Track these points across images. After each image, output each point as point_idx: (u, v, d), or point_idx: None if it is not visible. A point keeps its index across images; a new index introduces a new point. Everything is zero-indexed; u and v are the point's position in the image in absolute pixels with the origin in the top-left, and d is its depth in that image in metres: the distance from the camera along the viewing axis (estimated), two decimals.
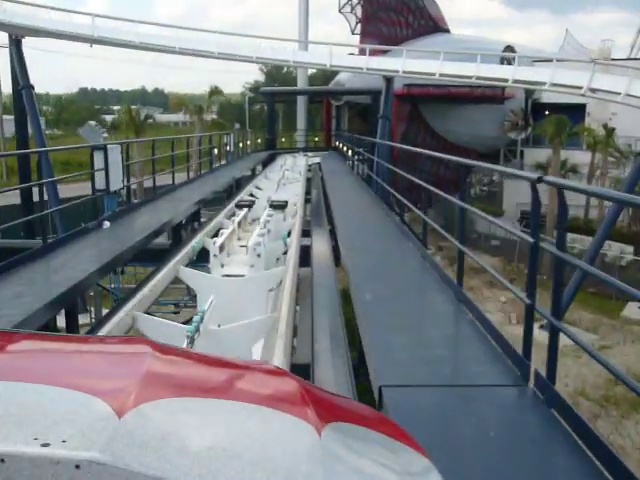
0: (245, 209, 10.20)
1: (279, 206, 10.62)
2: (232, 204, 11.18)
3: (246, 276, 6.72)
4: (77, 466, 0.77)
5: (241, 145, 27.90)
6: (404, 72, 28.57)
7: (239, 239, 8.80)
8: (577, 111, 46.49)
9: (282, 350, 4.08)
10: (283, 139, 39.05)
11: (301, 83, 40.16)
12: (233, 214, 10.08)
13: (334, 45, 29.45)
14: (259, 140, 33.61)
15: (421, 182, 8.84)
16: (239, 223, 8.96)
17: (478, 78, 27.74)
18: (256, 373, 1.29)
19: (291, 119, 48.85)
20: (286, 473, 0.86)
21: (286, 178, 19.08)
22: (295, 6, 39.85)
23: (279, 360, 3.83)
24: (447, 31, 44.91)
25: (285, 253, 8.02)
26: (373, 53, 31.12)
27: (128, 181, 11.37)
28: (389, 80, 30.78)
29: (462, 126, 41.90)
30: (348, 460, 1.01)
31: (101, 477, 0.77)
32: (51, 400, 0.93)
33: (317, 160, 32.35)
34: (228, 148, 23.19)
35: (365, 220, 11.99)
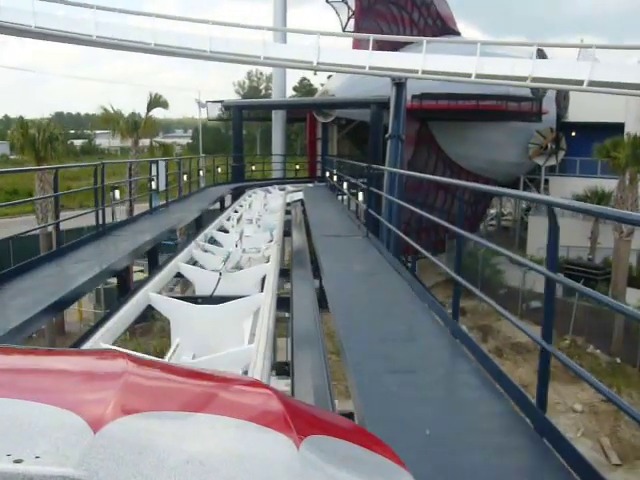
0: None
1: None
2: None
3: None
4: None
5: (186, 178, 18.70)
6: (425, 72, 19.66)
7: None
8: (611, 131, 38.35)
9: None
10: (253, 167, 29.78)
11: (277, 94, 31.07)
12: None
13: (322, 34, 20.49)
14: (219, 169, 24.41)
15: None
16: None
17: (534, 80, 18.90)
18: (234, 386, 1.26)
19: (270, 144, 39.53)
20: None
21: (242, 248, 10.11)
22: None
23: None
24: (457, 33, 36.44)
25: None
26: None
27: None
28: (399, 85, 21.92)
29: (479, 150, 33.26)
30: (327, 473, 0.98)
31: None
32: (25, 415, 0.89)
33: (299, 196, 23.36)
34: (154, 186, 14.05)
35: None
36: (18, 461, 0.77)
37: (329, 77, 33.14)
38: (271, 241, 11.49)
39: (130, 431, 0.88)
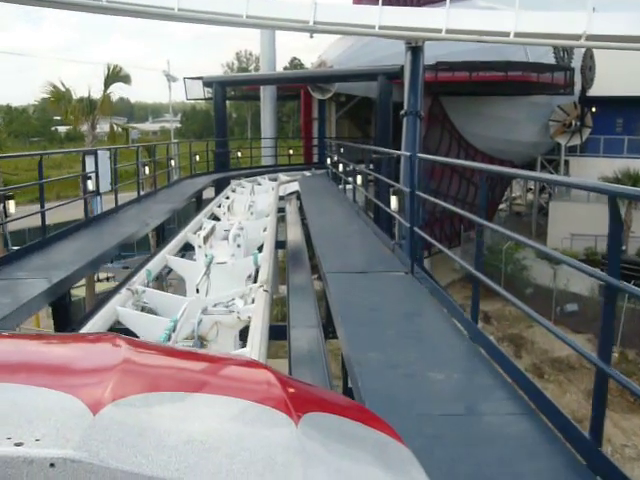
0: None
1: None
2: None
3: None
4: (52, 464, 0.75)
5: (148, 171, 14.57)
6: (449, 31, 15.53)
7: None
8: (637, 105, 34.55)
9: None
10: (239, 153, 25.54)
11: (266, 68, 26.79)
12: None
13: None
14: (197, 157, 20.28)
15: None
16: None
17: (590, 38, 14.85)
18: (231, 366, 1.26)
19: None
20: (264, 464, 0.84)
21: (204, 307, 6.13)
22: None
23: None
24: None
25: None
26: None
27: None
28: (416, 50, 17.77)
29: (496, 129, 29.21)
30: (326, 449, 0.97)
31: (77, 475, 0.75)
32: (24, 398, 0.89)
33: (294, 187, 19.39)
34: (91, 187, 9.95)
35: None
36: (19, 444, 0.77)
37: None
38: (257, 273, 7.51)
39: (129, 412, 0.88)
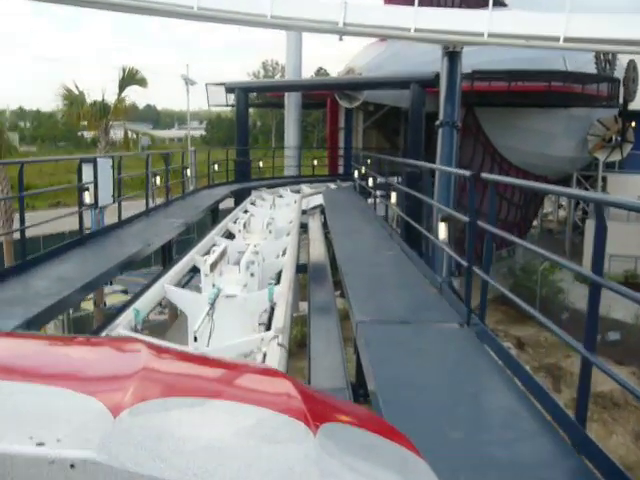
0: None
1: None
2: None
3: None
4: (72, 465, 0.76)
5: (159, 181, 13.41)
6: (492, 35, 14.18)
7: None
8: None
9: None
10: (261, 163, 24.29)
11: (291, 74, 25.56)
12: None
13: None
14: (216, 167, 19.10)
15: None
16: None
17: None
18: (251, 374, 1.25)
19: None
20: (281, 473, 0.84)
21: None
22: None
23: None
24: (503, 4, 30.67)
25: None
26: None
27: None
28: (453, 56, 16.43)
29: (532, 143, 27.64)
30: (343, 460, 0.96)
31: (96, 476, 0.76)
32: (46, 399, 0.90)
33: (318, 201, 18.15)
34: (87, 200, 8.71)
35: None
36: (40, 444, 0.78)
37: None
38: (272, 310, 6.23)
39: (149, 416, 0.88)
